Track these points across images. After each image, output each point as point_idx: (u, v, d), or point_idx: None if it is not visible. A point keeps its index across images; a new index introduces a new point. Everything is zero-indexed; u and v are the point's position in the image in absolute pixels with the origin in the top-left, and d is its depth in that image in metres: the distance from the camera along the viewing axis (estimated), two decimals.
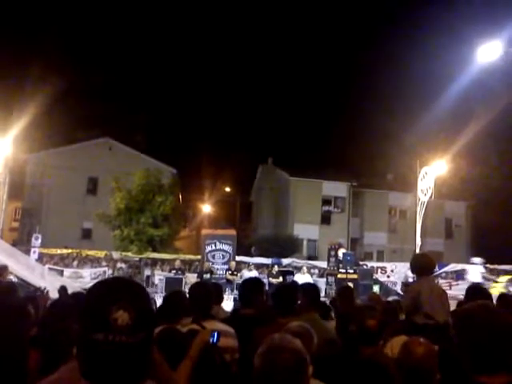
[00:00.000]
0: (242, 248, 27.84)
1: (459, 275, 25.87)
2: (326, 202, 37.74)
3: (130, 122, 54.26)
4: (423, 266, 5.22)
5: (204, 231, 24.02)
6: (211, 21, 63.44)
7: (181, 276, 18.72)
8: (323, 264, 23.96)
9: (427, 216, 23.12)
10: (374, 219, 37.70)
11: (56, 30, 54.52)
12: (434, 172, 21.54)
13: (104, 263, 24.83)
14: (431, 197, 21.30)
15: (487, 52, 9.90)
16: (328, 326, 4.46)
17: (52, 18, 56.50)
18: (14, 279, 12.49)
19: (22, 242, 27.99)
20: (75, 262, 25.59)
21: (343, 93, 56.47)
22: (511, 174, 28.52)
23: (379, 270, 24.89)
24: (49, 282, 13.75)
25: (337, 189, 37.72)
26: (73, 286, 15.60)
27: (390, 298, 11.20)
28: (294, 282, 6.02)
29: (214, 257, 20.94)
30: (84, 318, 1.72)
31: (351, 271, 18.11)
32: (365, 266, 21.39)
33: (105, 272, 23.44)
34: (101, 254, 25.93)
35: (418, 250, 20.81)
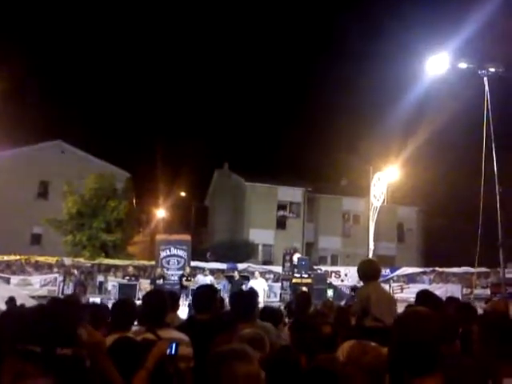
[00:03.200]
0: (198, 253, 27.68)
1: (410, 278, 26.60)
2: (282, 207, 38.01)
3: (83, 125, 53.24)
4: (370, 271, 5.36)
5: (158, 236, 23.76)
6: (167, 20, 63.03)
7: (134, 282, 18.49)
8: (278, 269, 24.12)
9: (380, 220, 23.66)
10: (329, 224, 38.23)
11: (6, 28, 52.87)
12: (387, 178, 22.07)
13: (55, 269, 24.15)
14: (384, 202, 21.81)
15: (435, 64, 10.22)
16: (279, 332, 4.50)
17: (3, 14, 54.84)
18: None
19: None
20: (24, 269, 24.76)
21: (298, 100, 57.15)
22: (459, 181, 29.52)
23: (333, 274, 25.29)
24: None
25: (292, 194, 38.05)
26: (20, 294, 15.09)
27: (343, 303, 11.40)
28: (252, 289, 6.04)
29: (168, 262, 20.74)
30: (50, 333, 1.70)
31: (306, 276, 18.30)
32: (319, 271, 21.69)
33: (56, 278, 22.80)
34: (52, 259, 25.22)
35: (370, 254, 21.25)
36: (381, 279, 5.95)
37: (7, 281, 21.72)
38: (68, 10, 58.81)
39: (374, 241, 22.36)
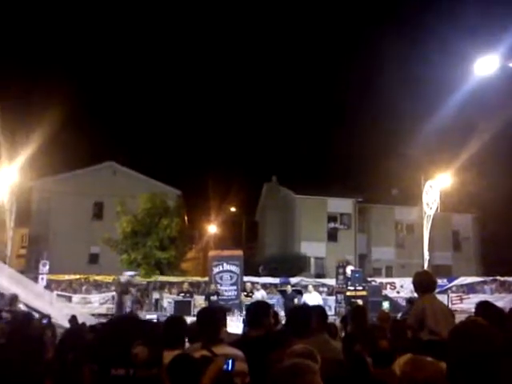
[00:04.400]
0: (250, 268, 27.75)
1: (470, 288, 25.65)
2: (332, 218, 37.66)
3: (133, 146, 54.73)
4: (425, 283, 5.24)
5: (211, 252, 23.99)
6: (213, 40, 64.17)
7: (189, 299, 18.70)
8: (332, 282, 23.82)
9: (434, 229, 23.05)
10: (381, 234, 37.57)
11: (59, 60, 55.31)
12: (439, 185, 21.54)
13: (112, 288, 24.77)
14: (437, 210, 21.27)
15: (484, 65, 9.97)
16: (336, 347, 4.46)
17: (56, 49, 57.34)
18: (24, 307, 12.50)
19: (29, 269, 28.01)
20: (83, 288, 25.56)
21: (345, 109, 56.73)
22: None
23: (388, 286, 24.73)
24: (57, 308, 13.78)
25: (342, 205, 37.66)
26: (81, 312, 15.60)
27: (399, 315, 11.14)
28: (306, 305, 6.01)
29: (221, 278, 20.89)
30: (103, 352, 1.78)
31: (360, 288, 17.99)
32: (374, 283, 21.27)
33: (113, 297, 23.38)
34: (109, 278, 25.89)
35: (426, 264, 20.73)
36: (438, 289, 5.81)
37: (69, 299, 22.48)
38: (112, 34, 60.90)
39: (429, 250, 21.82)
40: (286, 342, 3.90)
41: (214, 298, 17.67)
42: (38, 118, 27.00)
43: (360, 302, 15.92)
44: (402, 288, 24.45)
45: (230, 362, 2.97)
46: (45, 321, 7.78)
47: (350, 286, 18.22)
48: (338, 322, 7.74)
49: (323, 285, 26.26)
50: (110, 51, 62.41)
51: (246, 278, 22.07)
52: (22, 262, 33.68)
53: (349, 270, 19.29)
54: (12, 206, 25.72)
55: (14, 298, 10.06)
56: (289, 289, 19.64)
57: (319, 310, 4.80)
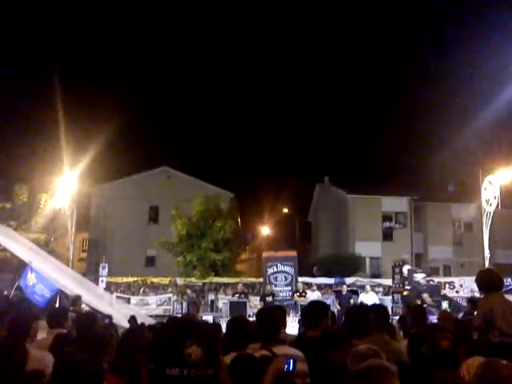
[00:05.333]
0: (304, 268, 27.63)
1: None
2: (387, 217, 36.96)
3: (187, 150, 55.65)
4: (491, 282, 5.03)
5: (265, 253, 24.03)
6: (256, 46, 64.43)
7: (244, 300, 18.80)
8: (388, 282, 23.38)
9: (495, 227, 22.21)
10: (438, 233, 36.52)
11: (115, 70, 56.99)
12: (499, 181, 20.73)
13: (169, 289, 25.24)
14: (497, 206, 20.48)
15: None
16: (399, 347, 4.36)
17: (112, 59, 59.11)
18: (86, 308, 12.92)
19: (90, 272, 28.96)
20: (141, 290, 26.18)
21: (398, 105, 55.63)
22: None
23: (447, 286, 23.99)
24: (116, 309, 14.10)
25: (397, 204, 36.90)
26: (139, 314, 15.94)
27: (460, 315, 10.79)
28: (365, 304, 5.90)
29: (276, 279, 20.90)
30: (159, 352, 1.81)
31: None
32: (431, 282, 20.70)
33: (170, 298, 23.81)
34: (165, 280, 26.40)
35: (487, 263, 19.99)
36: (503, 290, 5.55)
37: (128, 301, 23.06)
38: (162, 38, 62.15)
39: (490, 248, 21.02)
40: (345, 342, 3.85)
41: (269, 298, 17.69)
42: (95, 127, 28.00)
43: (418, 301, 15.54)
44: (462, 287, 23.67)
45: (291, 361, 2.96)
46: (107, 320, 8.02)
47: (407, 285, 17.83)
48: (395, 323, 7.57)
49: (379, 285, 25.81)
50: (163, 56, 63.77)
51: (300, 279, 21.98)
52: (83, 265, 34.84)
53: (405, 269, 18.88)
54: (72, 212, 26.69)
55: (78, 299, 10.41)
56: (344, 289, 19.41)
57: (380, 310, 4.71)
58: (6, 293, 15.08)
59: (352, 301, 17.95)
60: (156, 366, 1.89)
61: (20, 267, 14.66)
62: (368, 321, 4.24)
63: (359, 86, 66.65)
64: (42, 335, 5.18)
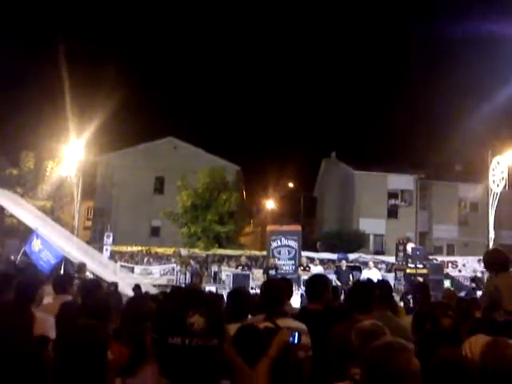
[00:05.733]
0: (307, 243, 27.73)
1: None
2: (393, 195, 36.90)
3: (193, 121, 55.40)
4: (498, 261, 5.02)
5: (269, 227, 24.09)
6: (264, 19, 63.52)
7: (247, 272, 18.92)
8: (391, 259, 23.49)
9: (501, 207, 22.11)
10: (443, 212, 36.46)
11: (121, 39, 56.44)
12: (507, 161, 20.56)
13: (173, 260, 25.46)
14: (505, 187, 20.36)
15: None
16: (402, 324, 4.37)
17: (116, 30, 58.46)
18: (90, 275, 13.06)
19: (94, 241, 29.20)
20: (145, 259, 26.42)
21: (406, 81, 55.01)
22: None
23: (450, 265, 24.08)
24: (120, 278, 14.26)
25: (403, 181, 36.78)
26: (143, 283, 16.11)
27: (462, 294, 10.84)
28: (370, 280, 5.92)
29: (279, 252, 21.00)
30: (161, 321, 1.81)
31: (421, 266, 17.63)
32: (435, 261, 20.76)
33: (173, 269, 24.03)
34: (169, 251, 26.61)
35: (491, 243, 19.98)
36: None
37: (132, 270, 23.32)
38: (168, 9, 61.32)
39: (495, 229, 20.96)
40: (348, 317, 3.86)
41: (272, 272, 17.80)
42: (102, 95, 27.85)
43: (420, 279, 15.62)
44: (465, 267, 23.77)
45: (296, 334, 2.97)
46: (112, 288, 8.11)
47: (411, 263, 17.89)
48: (397, 300, 7.62)
49: (382, 262, 25.94)
50: (169, 25, 63.00)
51: (303, 253, 22.10)
52: (88, 234, 35.12)
53: (409, 247, 18.93)
54: (78, 180, 26.76)
55: (82, 266, 10.54)
56: (343, 264, 19.51)
57: (385, 286, 4.71)
58: (12, 258, 15.26)
59: (351, 277, 18.10)
60: (158, 334, 1.90)
61: (26, 233, 14.80)
62: (372, 296, 4.25)
63: (368, 61, 65.86)
64: (47, 300, 5.24)
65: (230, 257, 26.07)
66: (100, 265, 15.53)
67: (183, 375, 1.80)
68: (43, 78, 45.65)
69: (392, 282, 19.72)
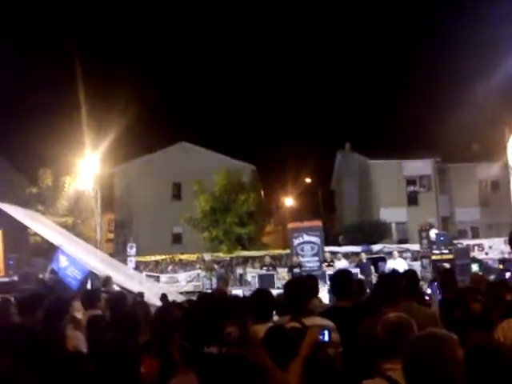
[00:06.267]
0: (329, 238, 27.64)
1: None
2: (411, 181, 36.61)
3: (205, 124, 55.54)
4: None
5: (290, 225, 24.03)
6: (273, 14, 63.41)
7: (272, 272, 18.92)
8: (415, 247, 23.26)
9: None
10: (464, 194, 36.01)
11: (132, 51, 56.87)
12: None
13: (197, 266, 25.55)
14: None
15: None
16: (429, 312, 4.34)
17: (128, 40, 58.89)
18: (117, 288, 13.16)
19: (118, 253, 29.41)
20: (169, 267, 26.55)
21: (417, 65, 54.41)
22: None
23: (476, 248, 23.75)
24: (146, 288, 14.34)
25: (420, 167, 36.45)
26: (169, 291, 16.20)
27: (492, 277, 10.69)
28: (396, 271, 5.88)
29: (302, 249, 20.94)
30: (194, 331, 1.82)
31: (446, 251, 17.44)
32: (460, 245, 20.51)
33: (198, 274, 24.12)
34: (193, 257, 26.72)
35: None
36: None
37: (157, 279, 23.43)
38: (179, 14, 61.59)
39: None
40: (376, 311, 3.85)
41: (296, 270, 17.77)
42: (114, 108, 28.11)
43: (447, 265, 15.44)
44: (491, 249, 23.40)
45: (326, 332, 2.98)
46: (138, 299, 8.17)
47: (436, 249, 17.70)
48: (425, 287, 7.55)
49: (407, 250, 25.70)
50: (177, 30, 63.28)
51: (326, 249, 22.02)
52: (111, 246, 35.39)
53: (432, 233, 18.74)
54: (97, 193, 27.06)
55: (108, 280, 10.63)
56: (363, 257, 19.39)
57: (410, 276, 4.68)
58: (40, 276, 15.45)
59: (372, 268, 17.99)
60: (193, 343, 1.91)
61: (51, 251, 14.96)
62: (398, 288, 4.22)
63: (376, 49, 65.37)
64: (77, 316, 5.32)
65: (253, 258, 26.08)
66: (125, 276, 15.66)
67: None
68: (57, 95, 46.25)
69: (419, 270, 19.58)
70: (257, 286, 18.04)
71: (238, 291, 16.87)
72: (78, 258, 13.66)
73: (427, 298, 5.92)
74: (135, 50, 59.07)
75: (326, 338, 2.98)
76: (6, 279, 14.56)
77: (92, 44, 54.51)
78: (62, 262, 13.36)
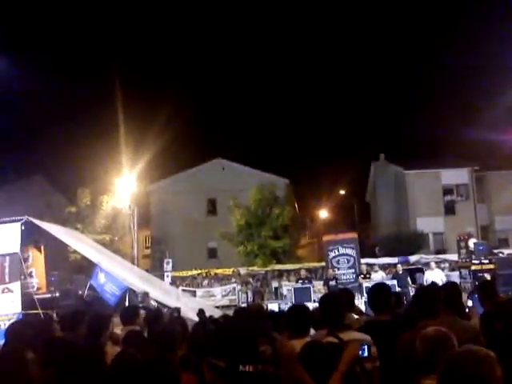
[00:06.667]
0: (365, 250, 27.31)
1: None
2: (448, 191, 35.93)
3: (240, 140, 55.95)
4: None
5: (325, 237, 23.86)
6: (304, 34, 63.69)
7: (308, 285, 18.81)
8: (453, 257, 22.78)
9: None
10: (504, 202, 35.01)
11: (169, 68, 57.86)
12: None
13: (233, 280, 25.62)
14: None
15: None
16: (470, 326, 4.24)
17: (166, 57, 60.06)
18: (154, 303, 13.32)
19: (155, 268, 29.76)
20: (205, 282, 26.70)
21: (449, 72, 53.64)
22: None
23: None
24: (183, 303, 14.45)
25: (457, 176, 35.76)
26: (206, 305, 16.28)
27: None
28: (435, 283, 5.78)
29: (338, 262, 20.75)
30: (233, 349, 1.85)
31: (486, 261, 16.98)
32: (501, 254, 19.96)
33: (234, 288, 24.17)
34: (228, 271, 26.82)
35: None
36: None
37: (194, 293, 23.59)
38: (215, 29, 62.46)
39: None
40: (414, 324, 3.79)
41: (332, 283, 17.63)
42: (148, 125, 28.69)
43: (487, 276, 15.06)
44: None
45: (366, 347, 2.95)
46: (175, 314, 8.26)
47: (475, 259, 17.27)
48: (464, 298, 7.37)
49: (444, 260, 25.20)
50: (211, 47, 64.24)
51: (362, 261, 21.77)
52: (147, 262, 35.83)
53: (471, 242, 18.30)
54: (133, 211, 27.54)
55: (146, 295, 10.78)
56: (399, 268, 19.07)
57: (450, 288, 4.59)
58: (80, 293, 15.76)
59: (409, 280, 17.67)
60: (227, 362, 1.93)
61: (90, 268, 15.26)
62: (438, 301, 4.15)
63: (410, 57, 64.76)
64: (117, 332, 5.41)
65: (288, 271, 25.99)
66: (163, 292, 15.83)
67: None
68: (95, 117, 47.51)
69: (457, 281, 19.12)
70: (292, 299, 17.97)
71: (273, 305, 16.85)
72: (116, 274, 13.89)
73: (467, 310, 5.79)
74: (172, 69, 60.20)
75: (366, 353, 2.95)
76: (49, 295, 14.89)
77: (129, 64, 55.79)
78: (101, 278, 13.63)
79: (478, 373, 1.89)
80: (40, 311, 12.36)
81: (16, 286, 13.48)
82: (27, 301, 13.31)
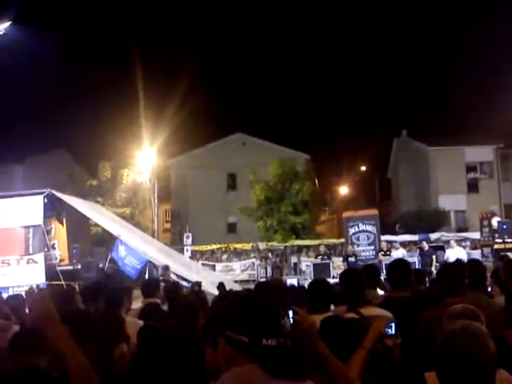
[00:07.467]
0: (386, 227, 27.12)
1: None
2: (471, 168, 35.36)
3: (260, 115, 55.65)
4: None
5: (345, 214, 23.69)
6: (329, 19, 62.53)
7: (327, 261, 18.78)
8: (475, 235, 22.51)
9: None
10: None
11: (187, 40, 57.54)
12: None
13: (252, 255, 25.75)
14: None
15: None
16: (496, 305, 4.16)
17: (185, 29, 59.65)
18: (174, 277, 13.43)
19: (175, 242, 30.06)
20: (224, 256, 26.90)
21: (476, 48, 52.25)
22: None
23: None
24: (203, 277, 14.55)
25: (481, 153, 35.12)
26: (225, 280, 16.39)
27: None
28: (460, 260, 5.68)
29: (358, 239, 20.64)
30: (257, 323, 1.81)
31: (509, 240, 16.76)
32: None
33: (253, 263, 24.30)
34: (247, 246, 26.95)
35: None
36: None
37: (213, 268, 23.80)
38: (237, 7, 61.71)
39: None
40: (439, 302, 3.72)
41: (352, 259, 17.56)
42: (169, 99, 28.59)
43: (511, 255, 14.85)
44: None
45: (393, 325, 2.89)
46: (196, 288, 8.29)
47: (498, 238, 17.04)
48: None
49: (466, 239, 24.94)
50: (233, 22, 63.54)
51: (383, 238, 21.63)
52: (168, 236, 36.19)
53: (495, 221, 18.05)
54: (154, 185, 27.71)
55: (166, 269, 10.87)
56: (425, 245, 18.88)
57: (475, 266, 4.50)
58: (101, 265, 15.99)
59: (434, 257, 17.50)
60: (251, 336, 1.89)
61: (111, 241, 15.44)
62: (462, 278, 4.07)
63: (435, 33, 63.24)
64: (136, 305, 5.45)
65: (308, 247, 26.00)
66: (183, 265, 15.94)
67: (279, 373, 1.81)
68: (116, 91, 47.54)
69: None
70: (311, 275, 17.99)
71: (292, 280, 16.87)
72: (136, 247, 14.03)
73: (489, 288, 5.70)
74: (192, 43, 59.72)
75: (393, 331, 2.88)
76: (71, 267, 15.17)
77: (149, 39, 55.49)
78: (121, 251, 13.78)
79: (470, 351, 1.82)
80: (63, 282, 12.60)
81: (40, 258, 13.77)
82: (50, 272, 13.59)
